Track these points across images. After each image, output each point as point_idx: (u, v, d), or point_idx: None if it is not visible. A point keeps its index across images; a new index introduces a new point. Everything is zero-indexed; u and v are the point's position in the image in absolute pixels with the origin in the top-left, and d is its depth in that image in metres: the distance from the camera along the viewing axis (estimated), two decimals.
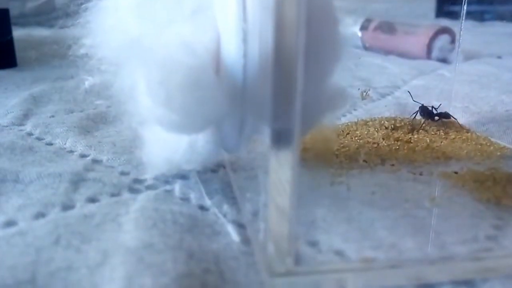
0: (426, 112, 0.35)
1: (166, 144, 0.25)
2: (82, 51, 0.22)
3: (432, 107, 0.36)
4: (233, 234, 0.21)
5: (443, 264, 0.19)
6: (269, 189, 0.17)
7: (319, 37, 0.21)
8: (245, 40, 0.20)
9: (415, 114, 0.36)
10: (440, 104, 0.36)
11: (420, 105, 0.36)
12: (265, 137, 0.17)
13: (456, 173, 0.27)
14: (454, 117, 0.36)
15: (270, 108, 0.16)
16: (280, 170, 0.17)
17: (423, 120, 0.35)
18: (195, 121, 0.22)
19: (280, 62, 0.16)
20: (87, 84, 0.39)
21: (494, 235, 0.21)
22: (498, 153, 0.31)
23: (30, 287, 0.17)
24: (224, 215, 0.23)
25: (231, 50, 0.20)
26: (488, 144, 0.32)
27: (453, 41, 0.63)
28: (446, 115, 0.35)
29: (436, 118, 0.35)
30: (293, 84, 0.16)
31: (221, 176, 0.27)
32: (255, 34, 0.20)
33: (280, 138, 0.16)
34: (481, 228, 0.21)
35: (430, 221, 0.22)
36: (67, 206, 0.23)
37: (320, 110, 0.24)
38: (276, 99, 0.16)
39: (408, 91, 0.37)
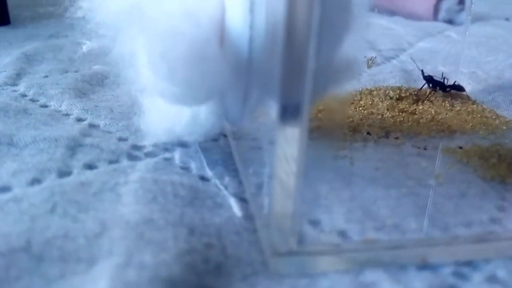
0: (436, 83, 0.34)
1: (167, 114, 0.24)
2: (79, 13, 0.21)
3: (444, 77, 0.34)
4: (235, 209, 0.20)
5: (446, 245, 0.19)
6: (275, 165, 0.16)
7: (330, 6, 0.20)
8: (251, 10, 0.19)
9: (423, 85, 0.35)
10: (444, 77, 0.35)
11: (427, 76, 0.34)
12: (272, 111, 0.16)
13: (460, 148, 0.27)
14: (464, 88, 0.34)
15: (279, 82, 0.15)
16: (287, 147, 0.16)
17: (428, 91, 0.34)
18: (198, 93, 0.21)
19: (292, 36, 0.15)
20: (84, 48, 0.38)
21: (498, 218, 0.21)
22: (504, 127, 0.30)
23: (25, 255, 0.17)
24: (226, 187, 0.22)
25: (237, 21, 0.19)
26: (493, 117, 0.31)
27: (460, 1, 0.61)
28: (459, 88, 0.34)
29: (448, 89, 0.34)
30: (304, 59, 0.15)
31: (222, 145, 0.26)
32: (262, 5, 0.19)
33: (288, 113, 0.16)
34: (485, 210, 0.21)
35: (434, 200, 0.22)
36: (63, 173, 0.22)
37: (329, 80, 0.24)
38: (286, 73, 0.15)
39: (421, 70, 0.35)
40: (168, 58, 0.20)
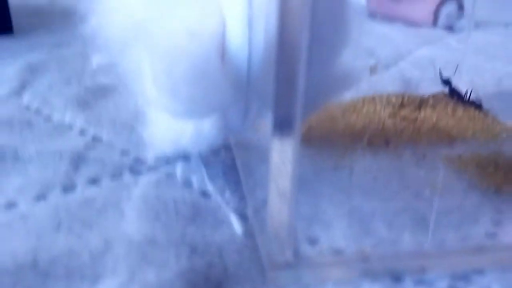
0: (456, 93, 0.34)
1: (172, 127, 0.24)
2: (88, 30, 0.21)
3: (467, 91, 0.34)
4: (236, 226, 0.21)
5: (440, 258, 0.19)
6: (270, 176, 0.17)
7: (327, 19, 0.20)
8: (250, 26, 0.19)
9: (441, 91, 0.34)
10: (471, 90, 0.34)
11: (449, 84, 0.34)
12: (267, 124, 0.17)
13: (459, 156, 0.27)
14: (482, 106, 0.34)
15: (272, 96, 0.16)
16: (281, 157, 0.16)
17: (431, 97, 0.34)
18: (201, 109, 0.22)
19: (283, 52, 0.15)
20: (94, 63, 0.38)
21: (493, 232, 0.21)
22: (504, 135, 0.30)
23: (32, 272, 0.17)
24: (227, 203, 0.22)
25: (236, 37, 0.20)
26: (494, 124, 0.32)
27: (460, 7, 0.61)
28: (478, 106, 0.33)
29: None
30: (295, 74, 0.15)
31: (223, 158, 0.27)
32: (261, 20, 0.19)
33: (281, 126, 0.16)
34: (481, 223, 0.21)
35: (430, 214, 0.22)
36: (68, 188, 0.22)
37: (327, 91, 0.24)
38: (278, 88, 0.15)
39: (439, 69, 0.35)
40: (171, 75, 0.20)
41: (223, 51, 0.21)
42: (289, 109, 0.16)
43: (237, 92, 0.22)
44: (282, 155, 0.16)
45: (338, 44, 0.23)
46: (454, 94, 0.34)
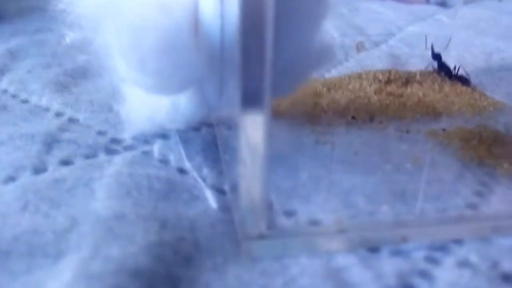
0: (444, 68, 0.33)
1: (148, 102, 0.24)
2: (61, 6, 0.21)
3: (456, 66, 0.33)
4: (211, 200, 0.20)
5: (419, 228, 0.18)
6: (240, 152, 0.16)
7: None
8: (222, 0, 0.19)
9: (427, 65, 0.34)
10: (460, 66, 0.33)
11: (437, 53, 0.34)
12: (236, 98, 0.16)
13: (444, 130, 0.26)
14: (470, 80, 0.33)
15: (239, 69, 0.15)
16: (251, 133, 0.16)
17: (418, 73, 0.34)
18: (172, 83, 0.21)
19: (249, 22, 0.14)
20: (68, 39, 0.38)
21: (474, 203, 0.20)
22: (491, 109, 0.30)
23: None
24: (204, 179, 0.22)
25: (209, 10, 0.19)
26: (482, 99, 0.31)
27: None
28: (465, 81, 0.33)
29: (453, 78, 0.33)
30: (262, 42, 0.15)
31: (204, 135, 0.26)
32: None
33: (250, 100, 0.15)
34: (462, 195, 0.21)
35: (410, 186, 0.21)
36: (38, 170, 0.22)
37: (305, 67, 0.24)
38: (245, 58, 0.15)
39: (432, 44, 0.34)
40: (138, 48, 0.20)
41: (196, 24, 0.20)
42: (257, 82, 0.15)
43: (211, 66, 0.21)
44: (252, 130, 0.16)
45: (315, 16, 0.22)
46: (442, 69, 0.34)
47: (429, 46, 0.35)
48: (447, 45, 0.34)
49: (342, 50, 0.41)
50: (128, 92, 0.24)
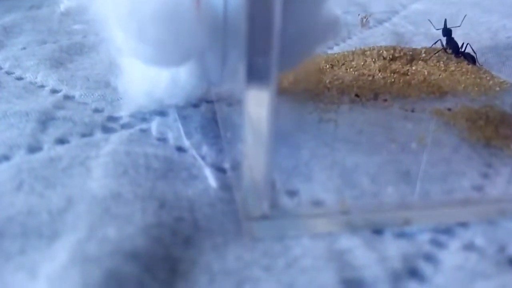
0: (452, 44, 0.32)
1: (146, 76, 0.23)
2: None
3: (462, 44, 0.32)
4: (211, 179, 0.20)
5: (424, 211, 0.18)
6: (244, 129, 0.15)
7: None
8: None
9: (436, 41, 0.33)
10: (468, 44, 0.33)
11: (448, 29, 0.33)
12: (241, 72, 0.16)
13: (449, 110, 0.26)
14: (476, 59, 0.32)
15: (244, 38, 0.14)
16: (255, 110, 0.15)
17: (423, 50, 0.33)
18: (172, 55, 0.21)
19: None
20: (62, 7, 0.37)
21: (481, 185, 0.20)
22: (497, 89, 0.29)
23: None
24: (203, 158, 0.21)
25: None
26: (488, 78, 0.30)
27: None
28: (471, 59, 0.32)
29: (459, 55, 0.32)
30: (270, 14, 0.14)
31: (203, 111, 0.25)
32: None
33: (256, 74, 0.15)
34: (468, 176, 0.20)
35: (415, 167, 0.21)
36: (33, 148, 0.21)
37: (311, 40, 0.23)
38: (251, 28, 0.14)
39: (445, 20, 0.33)
40: (136, 16, 0.19)
41: None
42: (264, 55, 0.15)
43: (213, 37, 0.20)
44: (257, 106, 0.15)
45: None
46: (450, 45, 0.33)
47: (436, 26, 0.34)
48: (461, 22, 0.33)
49: (345, 27, 0.40)
50: (125, 65, 0.23)
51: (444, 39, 0.33)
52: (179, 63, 0.22)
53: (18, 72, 0.29)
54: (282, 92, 0.26)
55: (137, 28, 0.19)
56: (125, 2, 0.19)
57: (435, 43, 0.33)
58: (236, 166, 0.20)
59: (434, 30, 0.34)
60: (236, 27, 0.19)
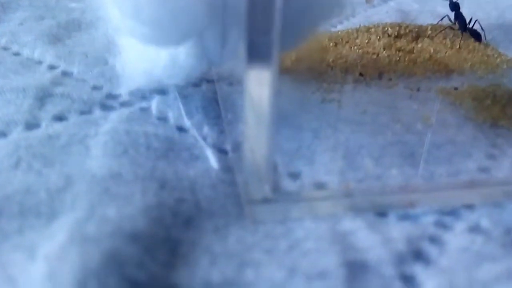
0: (460, 19, 0.31)
1: (145, 55, 0.22)
2: None
3: (470, 20, 0.31)
4: (212, 160, 0.19)
5: (429, 193, 0.18)
6: (245, 109, 0.15)
7: None
8: None
9: (443, 17, 0.32)
10: (476, 20, 0.32)
11: (456, 9, 0.32)
12: (241, 51, 0.15)
13: (456, 88, 0.25)
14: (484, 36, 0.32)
15: (245, 15, 0.14)
16: (257, 90, 0.15)
17: (429, 27, 0.32)
18: (170, 34, 0.20)
19: None
20: None
21: (487, 167, 0.19)
22: (505, 66, 0.28)
23: None
24: (204, 138, 0.21)
25: None
26: (495, 55, 0.29)
27: None
28: (477, 36, 0.31)
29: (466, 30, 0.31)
30: None
31: (204, 91, 0.25)
32: None
33: (257, 52, 0.14)
34: (474, 158, 0.20)
35: (420, 148, 0.20)
36: (31, 125, 0.21)
37: (315, 18, 0.22)
38: (251, 5, 0.14)
39: None
40: None
41: None
42: (265, 33, 0.14)
43: (212, 15, 0.20)
44: (259, 87, 0.15)
45: None
46: (458, 19, 0.32)
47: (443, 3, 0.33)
48: None
49: (350, 5, 0.40)
50: (123, 45, 0.23)
51: (452, 14, 0.32)
52: (177, 43, 0.21)
53: (15, 48, 0.29)
54: (284, 72, 0.25)
55: (132, 6, 0.18)
56: None
57: (442, 18, 0.32)
58: (237, 148, 0.20)
59: (440, 8, 0.33)
60: (236, 4, 0.19)
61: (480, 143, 0.21)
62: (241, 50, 0.20)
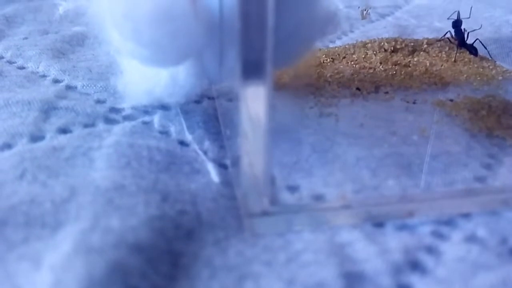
0: (460, 35, 0.32)
1: (145, 75, 0.23)
2: None
3: (468, 33, 0.32)
4: (213, 174, 0.20)
5: (425, 203, 0.18)
6: (241, 125, 0.15)
7: None
8: None
9: (446, 33, 0.33)
10: (477, 39, 0.33)
11: (458, 26, 0.32)
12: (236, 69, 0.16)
13: (451, 100, 0.26)
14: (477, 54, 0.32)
15: (239, 35, 0.14)
16: (253, 105, 0.15)
17: (425, 41, 0.33)
18: (169, 55, 0.21)
19: None
20: (61, 10, 0.37)
21: (483, 176, 0.20)
22: (500, 78, 0.29)
23: None
24: (205, 152, 0.21)
25: None
26: (491, 67, 0.30)
27: None
28: (474, 51, 0.32)
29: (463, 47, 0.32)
30: (263, 8, 0.14)
31: (205, 107, 0.25)
32: None
33: (251, 70, 0.15)
34: (470, 168, 0.20)
35: (417, 159, 0.21)
36: (35, 137, 0.21)
37: (309, 35, 0.23)
38: (244, 25, 0.14)
39: (458, 12, 0.33)
40: (131, 17, 0.19)
41: None
42: (258, 51, 0.14)
43: (210, 35, 0.20)
44: (254, 102, 0.15)
45: None
46: (458, 36, 0.32)
47: (441, 20, 0.34)
48: (469, 14, 0.33)
49: (347, 21, 0.40)
50: (125, 64, 0.23)
51: (453, 31, 0.33)
52: (176, 63, 0.22)
53: (20, 62, 0.29)
54: (282, 88, 0.26)
55: (132, 30, 0.19)
56: (120, 4, 0.19)
57: (444, 35, 0.33)
58: (236, 163, 0.20)
59: (437, 23, 0.34)
60: (232, 25, 0.19)
61: (476, 153, 0.21)
62: (237, 68, 0.20)
